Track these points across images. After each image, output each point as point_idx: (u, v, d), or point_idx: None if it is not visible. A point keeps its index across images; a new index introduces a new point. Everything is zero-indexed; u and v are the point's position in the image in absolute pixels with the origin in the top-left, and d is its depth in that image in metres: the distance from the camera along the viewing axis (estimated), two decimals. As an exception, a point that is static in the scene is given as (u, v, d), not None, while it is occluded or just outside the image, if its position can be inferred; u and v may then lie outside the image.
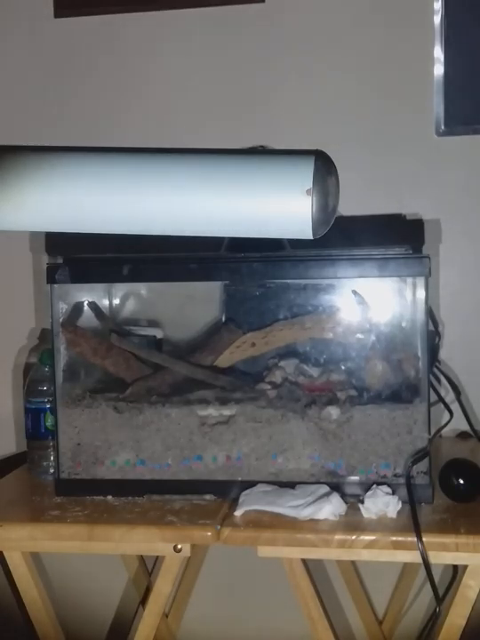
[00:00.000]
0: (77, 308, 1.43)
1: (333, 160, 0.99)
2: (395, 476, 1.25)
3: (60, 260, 1.34)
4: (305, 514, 1.18)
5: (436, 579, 1.14)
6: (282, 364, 1.42)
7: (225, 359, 1.40)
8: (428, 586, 1.13)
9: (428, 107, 1.60)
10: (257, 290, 1.45)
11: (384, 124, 1.62)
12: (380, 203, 1.62)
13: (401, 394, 1.31)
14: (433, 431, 1.26)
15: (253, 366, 1.43)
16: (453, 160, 1.61)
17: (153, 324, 1.55)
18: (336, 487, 1.25)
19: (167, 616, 1.74)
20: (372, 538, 1.13)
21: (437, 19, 1.58)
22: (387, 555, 1.15)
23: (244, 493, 1.26)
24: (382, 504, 1.19)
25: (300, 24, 1.64)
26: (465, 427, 1.52)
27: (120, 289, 1.55)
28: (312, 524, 1.17)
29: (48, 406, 1.42)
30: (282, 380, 1.39)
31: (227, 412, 1.31)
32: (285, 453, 1.29)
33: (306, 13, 1.63)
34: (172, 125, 1.69)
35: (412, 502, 1.18)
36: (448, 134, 1.60)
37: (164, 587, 1.23)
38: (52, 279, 1.31)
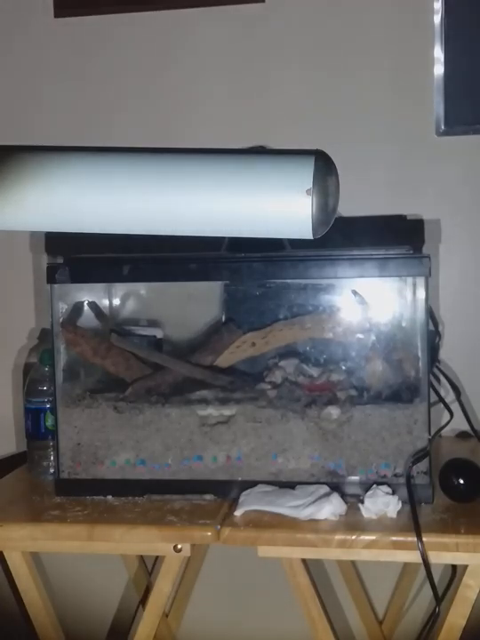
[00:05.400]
0: (77, 307, 1.43)
1: (333, 160, 0.99)
2: (395, 475, 1.25)
3: (60, 260, 1.34)
4: (305, 514, 1.18)
5: (436, 579, 1.14)
6: (282, 363, 1.42)
7: (225, 359, 1.40)
8: (428, 586, 1.13)
9: (428, 107, 1.60)
10: (257, 290, 1.45)
11: (384, 124, 1.62)
12: (381, 203, 1.63)
13: (401, 394, 1.31)
14: (433, 431, 1.26)
15: (253, 366, 1.43)
16: (453, 160, 1.61)
17: (153, 323, 1.55)
18: (336, 487, 1.25)
19: (167, 616, 1.74)
20: (372, 538, 1.13)
21: (437, 19, 1.58)
22: (387, 555, 1.15)
23: (244, 493, 1.26)
24: (382, 504, 1.19)
25: (300, 24, 1.63)
26: (465, 427, 1.52)
27: (120, 289, 1.55)
28: (312, 524, 1.17)
29: (48, 406, 1.42)
30: (282, 380, 1.39)
31: (227, 412, 1.31)
32: (285, 453, 1.29)
33: (306, 13, 1.63)
34: (172, 125, 1.68)
35: (412, 502, 1.18)
36: (448, 134, 1.60)
37: (164, 587, 1.23)
38: (52, 279, 1.31)
